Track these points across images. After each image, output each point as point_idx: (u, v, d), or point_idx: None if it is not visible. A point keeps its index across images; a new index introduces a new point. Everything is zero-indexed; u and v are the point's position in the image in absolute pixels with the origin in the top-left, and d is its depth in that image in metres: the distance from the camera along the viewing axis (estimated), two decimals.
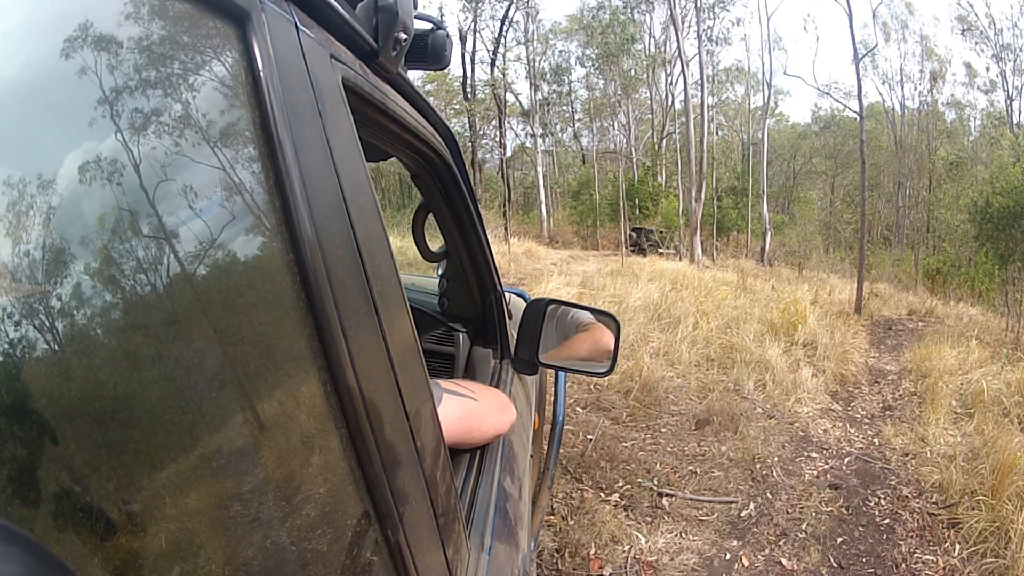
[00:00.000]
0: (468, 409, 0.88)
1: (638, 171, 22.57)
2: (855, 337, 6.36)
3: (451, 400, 0.81)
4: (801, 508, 2.89)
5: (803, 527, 2.72)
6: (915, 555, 2.55)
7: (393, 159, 1.07)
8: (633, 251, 16.45)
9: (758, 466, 3.26)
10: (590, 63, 22.68)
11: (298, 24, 0.44)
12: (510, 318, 1.50)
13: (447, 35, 0.79)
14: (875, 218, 22.49)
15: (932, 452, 3.43)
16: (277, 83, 0.38)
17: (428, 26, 0.78)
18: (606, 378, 3.29)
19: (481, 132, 22.10)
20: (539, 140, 22.18)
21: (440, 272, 1.47)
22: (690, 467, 3.23)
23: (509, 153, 23.32)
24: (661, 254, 16.00)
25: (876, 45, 20.45)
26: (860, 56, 11.82)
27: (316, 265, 0.39)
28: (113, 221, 0.27)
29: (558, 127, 26.41)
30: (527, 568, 1.12)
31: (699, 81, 18.11)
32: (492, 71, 20.19)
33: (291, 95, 0.40)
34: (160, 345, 0.29)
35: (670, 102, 23.32)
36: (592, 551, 2.45)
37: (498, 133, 21.64)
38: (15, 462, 0.22)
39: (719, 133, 25.56)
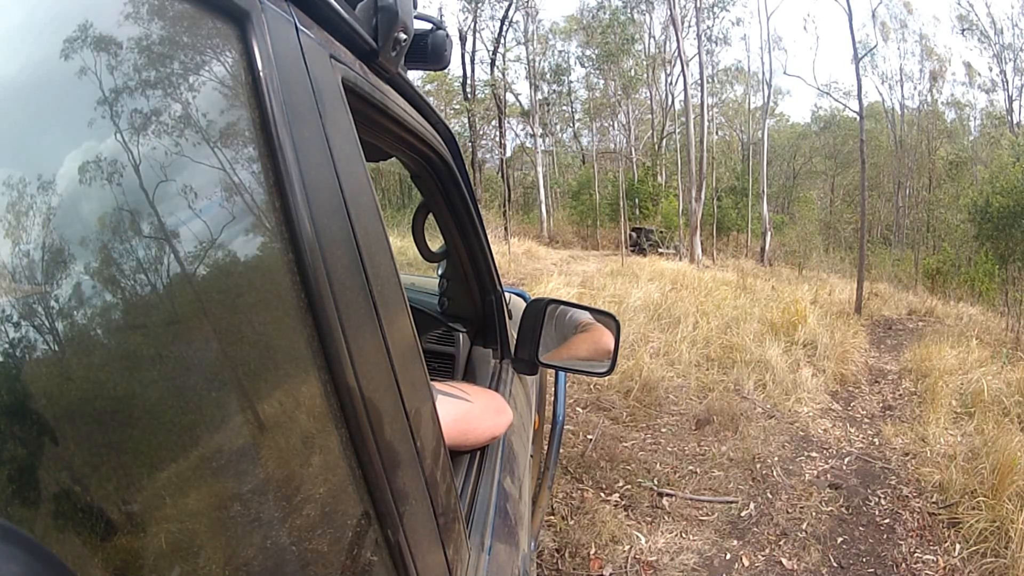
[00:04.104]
0: (462, 411, 0.87)
1: (638, 171, 22.55)
2: (855, 337, 6.36)
3: (445, 402, 0.80)
4: (801, 508, 2.89)
5: (803, 527, 2.72)
6: (915, 555, 2.55)
7: (393, 159, 1.07)
8: (633, 251, 16.44)
9: (758, 466, 3.26)
10: (590, 63, 22.67)
11: (298, 24, 0.44)
12: (510, 318, 1.50)
13: (447, 35, 0.79)
14: (875, 218, 22.47)
15: (932, 452, 3.43)
16: (277, 83, 0.38)
17: (428, 26, 0.78)
18: (606, 378, 3.30)
19: (481, 132, 22.09)
20: (539, 140, 22.17)
21: (440, 272, 1.47)
22: (690, 467, 3.22)
23: (509, 153, 23.33)
24: (661, 254, 16.00)
25: (876, 45, 20.46)
26: (860, 56, 11.82)
27: (316, 265, 0.39)
28: (113, 221, 0.27)
29: (558, 127, 26.41)
30: (527, 568, 1.11)
31: (699, 81, 18.10)
32: (492, 71, 20.19)
33: (291, 95, 0.40)
34: (160, 345, 0.29)
35: (670, 102, 23.31)
36: (592, 551, 2.45)
37: (498, 133, 21.63)
38: (15, 462, 0.22)
39: (719, 133, 25.56)
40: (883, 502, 2.97)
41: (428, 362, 0.64)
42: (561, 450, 2.73)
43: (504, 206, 19.13)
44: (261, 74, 0.37)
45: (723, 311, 6.36)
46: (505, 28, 20.19)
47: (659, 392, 4.14)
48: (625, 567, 2.39)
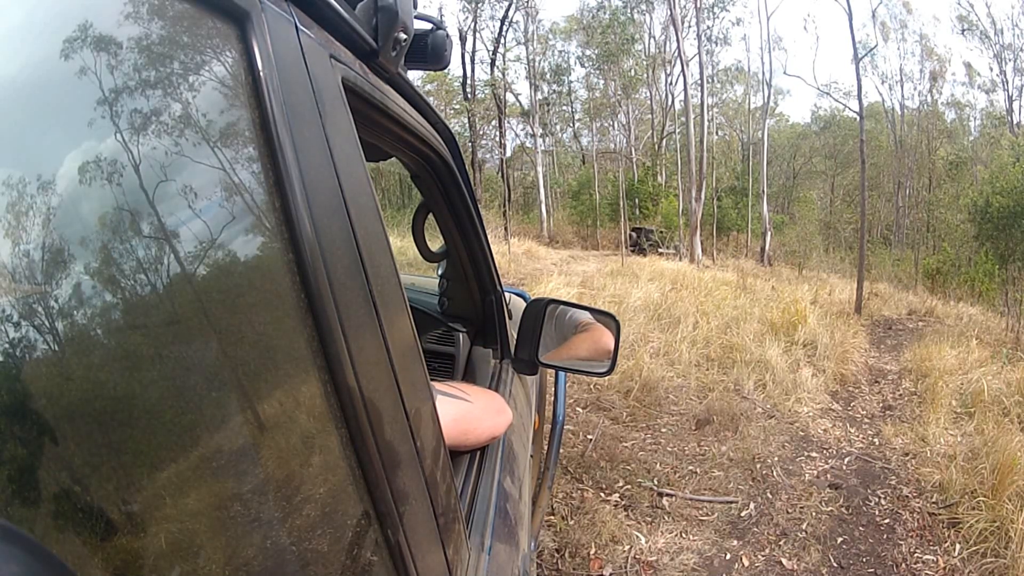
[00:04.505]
0: (462, 411, 0.87)
1: (638, 171, 22.55)
2: (855, 337, 6.36)
3: (445, 402, 0.80)
4: (801, 508, 2.89)
5: (803, 527, 2.72)
6: (915, 555, 2.55)
7: (393, 159, 1.07)
8: (633, 251, 16.43)
9: (758, 466, 3.26)
10: (590, 63, 22.66)
11: (298, 24, 0.44)
12: (510, 318, 1.50)
13: (447, 35, 0.79)
14: (875, 218, 22.48)
15: (932, 452, 3.43)
16: (277, 83, 0.38)
17: (428, 26, 0.78)
18: (606, 378, 3.30)
19: (481, 132, 22.08)
20: (539, 140, 22.16)
21: (440, 272, 1.47)
22: (690, 467, 3.22)
23: (509, 153, 23.33)
24: (661, 254, 16.00)
25: (876, 45, 20.48)
26: (860, 56, 11.82)
27: (316, 265, 0.39)
28: (113, 221, 0.27)
29: (558, 127, 26.40)
30: (527, 568, 1.11)
31: (699, 81, 18.09)
32: (492, 71, 20.18)
33: (291, 95, 0.40)
34: (160, 345, 0.29)
35: (670, 102, 23.30)
36: (592, 551, 2.45)
37: (498, 133, 21.63)
38: (15, 462, 0.22)
39: (719, 133, 25.56)
40: (883, 502, 2.97)
41: (428, 362, 0.64)
42: (561, 450, 2.73)
43: (504, 206, 19.13)
44: (261, 74, 0.37)
45: (723, 311, 6.36)
46: (505, 28, 20.20)
47: (659, 392, 4.14)
48: (625, 567, 2.39)
